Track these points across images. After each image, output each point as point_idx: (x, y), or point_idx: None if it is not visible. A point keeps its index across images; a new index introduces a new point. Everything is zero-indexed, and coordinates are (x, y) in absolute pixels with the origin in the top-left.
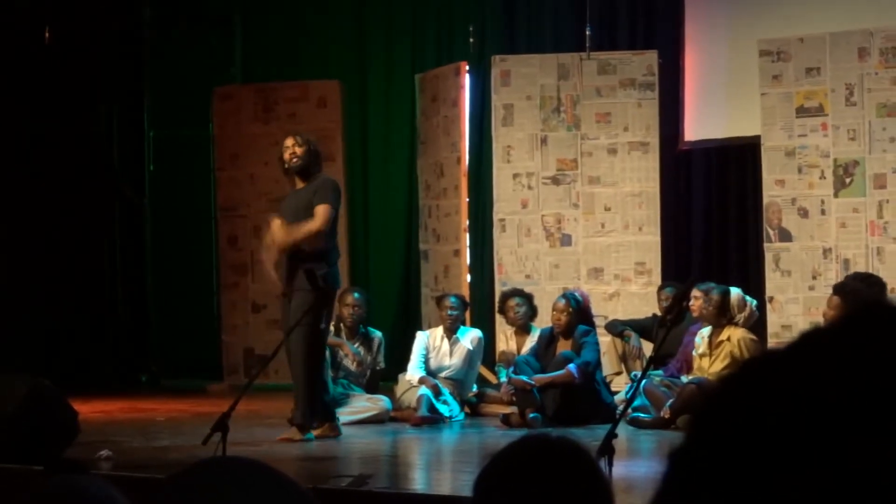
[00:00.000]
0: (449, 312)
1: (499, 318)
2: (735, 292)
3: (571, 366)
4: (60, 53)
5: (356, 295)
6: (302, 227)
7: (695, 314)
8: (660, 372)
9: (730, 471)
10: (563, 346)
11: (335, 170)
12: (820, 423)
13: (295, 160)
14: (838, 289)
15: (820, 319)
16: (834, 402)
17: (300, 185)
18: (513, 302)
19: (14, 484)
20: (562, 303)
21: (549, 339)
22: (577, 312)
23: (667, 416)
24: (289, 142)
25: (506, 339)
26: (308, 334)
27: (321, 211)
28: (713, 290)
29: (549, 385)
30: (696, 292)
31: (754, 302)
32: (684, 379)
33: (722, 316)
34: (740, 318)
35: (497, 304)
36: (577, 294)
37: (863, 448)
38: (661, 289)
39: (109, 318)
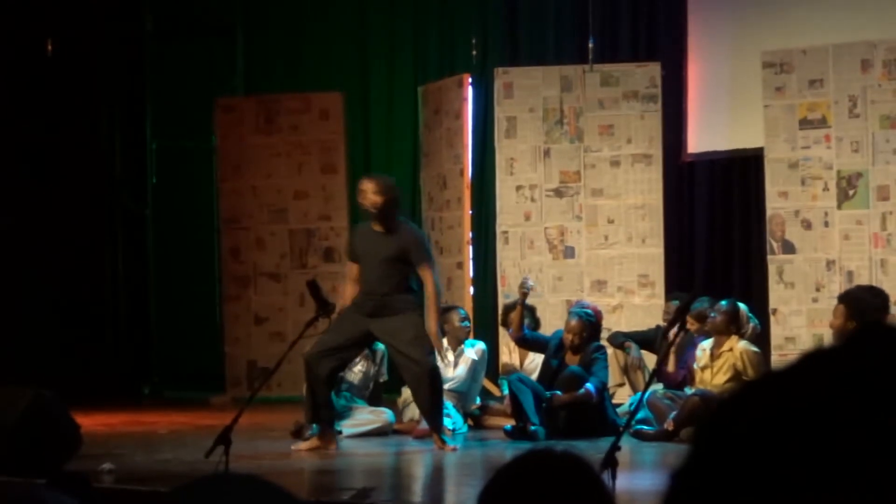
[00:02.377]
0: (464, 325)
1: (502, 331)
2: (742, 306)
3: (590, 386)
4: (62, 64)
5: None
6: (432, 310)
7: (696, 330)
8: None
9: (731, 490)
10: (571, 359)
11: (337, 182)
12: (821, 444)
13: (374, 210)
14: (843, 297)
15: (823, 331)
16: (835, 423)
17: (378, 227)
18: (515, 314)
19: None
20: (575, 322)
21: (559, 345)
22: (591, 330)
23: (670, 429)
24: (365, 186)
25: (508, 352)
26: None
27: (430, 277)
28: (721, 303)
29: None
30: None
31: (755, 319)
32: (688, 391)
33: (732, 325)
34: (748, 328)
35: (500, 317)
36: (589, 310)
37: (863, 468)
38: (668, 300)
39: (111, 329)
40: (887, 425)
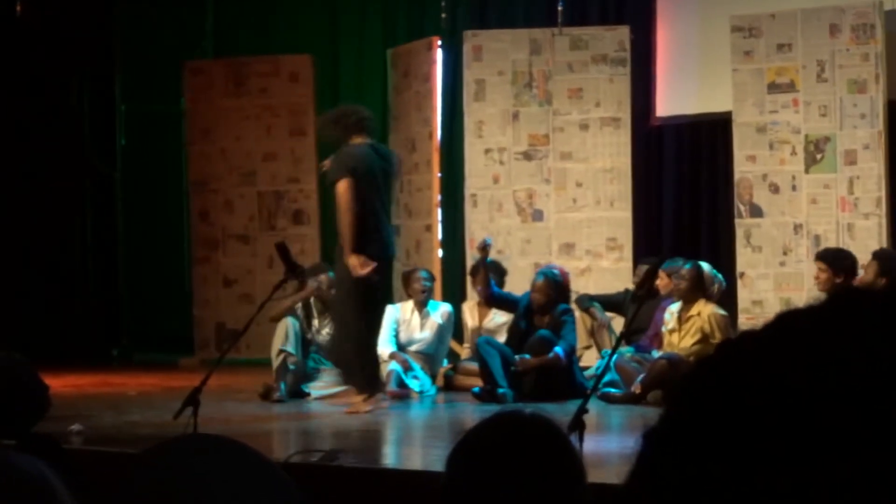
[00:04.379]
0: (424, 284)
1: (469, 293)
2: (704, 267)
3: (559, 350)
4: (32, 27)
5: (331, 274)
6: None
7: (662, 293)
8: (630, 349)
9: (706, 454)
10: (540, 322)
11: (306, 144)
12: (794, 409)
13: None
14: (876, 254)
15: (791, 295)
16: (815, 389)
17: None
18: (480, 275)
19: None
20: (541, 281)
21: (528, 307)
22: (557, 290)
23: (637, 392)
24: None
25: (471, 314)
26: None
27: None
28: (685, 266)
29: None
30: (662, 271)
31: (720, 276)
32: (655, 354)
33: (697, 290)
34: (713, 289)
35: (470, 269)
36: (555, 271)
37: (843, 435)
38: (639, 265)
39: (81, 291)
40: (866, 389)
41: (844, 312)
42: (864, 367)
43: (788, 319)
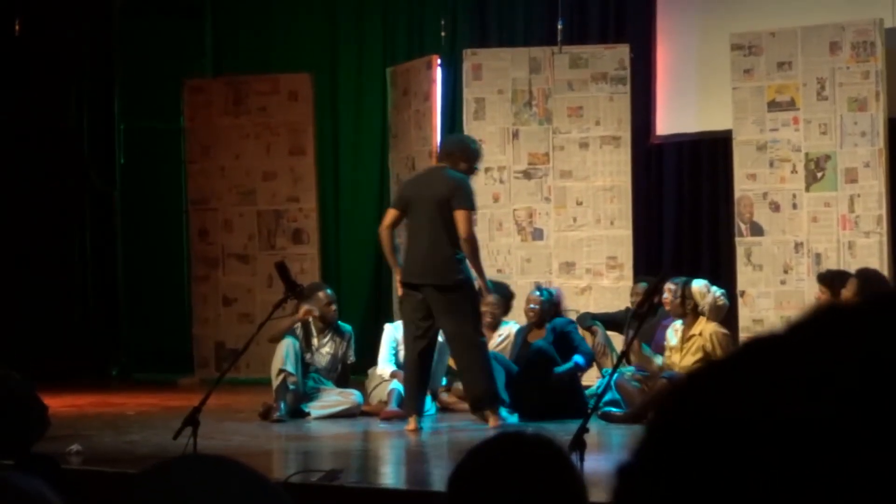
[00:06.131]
0: None
1: None
2: (698, 282)
3: (578, 359)
4: (31, 45)
5: (329, 291)
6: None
7: (667, 307)
8: (631, 368)
9: (678, 488)
10: (532, 338)
11: (306, 163)
12: (776, 436)
13: None
14: (858, 273)
15: (791, 314)
16: (788, 413)
17: None
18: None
19: None
20: (536, 295)
21: (525, 333)
22: (550, 304)
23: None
24: None
25: None
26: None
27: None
28: (677, 284)
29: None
30: (669, 285)
31: (721, 291)
32: None
33: (685, 304)
34: (704, 304)
35: None
36: (550, 288)
37: (819, 461)
38: (636, 283)
39: (79, 310)
40: (845, 419)
41: (824, 335)
42: (840, 386)
43: (755, 343)
